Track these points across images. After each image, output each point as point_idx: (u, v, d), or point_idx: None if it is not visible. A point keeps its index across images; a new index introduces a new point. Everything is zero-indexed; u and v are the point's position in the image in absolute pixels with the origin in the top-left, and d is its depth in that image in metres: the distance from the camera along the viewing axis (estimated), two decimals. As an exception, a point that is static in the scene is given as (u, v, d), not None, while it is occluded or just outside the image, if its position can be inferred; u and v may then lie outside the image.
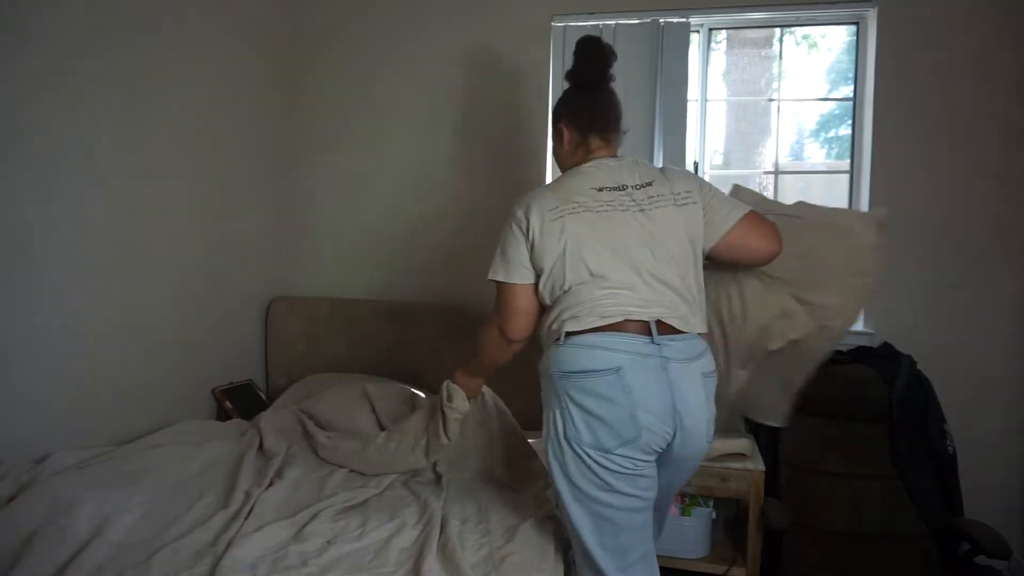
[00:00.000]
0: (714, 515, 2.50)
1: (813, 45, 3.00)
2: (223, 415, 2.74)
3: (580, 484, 1.54)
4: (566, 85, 1.81)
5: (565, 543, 1.73)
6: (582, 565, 1.64)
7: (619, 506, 1.55)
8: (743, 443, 2.46)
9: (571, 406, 1.52)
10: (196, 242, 2.66)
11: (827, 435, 2.49)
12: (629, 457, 1.51)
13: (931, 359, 2.53)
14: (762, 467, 2.38)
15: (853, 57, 2.83)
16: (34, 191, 2.00)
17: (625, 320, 1.54)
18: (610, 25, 2.84)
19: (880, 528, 2.35)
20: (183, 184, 2.58)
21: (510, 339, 1.70)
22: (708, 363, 1.62)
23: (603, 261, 1.57)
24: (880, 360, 2.54)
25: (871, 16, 2.72)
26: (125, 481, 1.87)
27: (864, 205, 2.73)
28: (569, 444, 1.53)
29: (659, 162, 2.81)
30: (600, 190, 1.62)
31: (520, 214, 1.65)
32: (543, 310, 1.68)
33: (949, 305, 2.64)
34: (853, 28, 2.83)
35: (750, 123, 3.05)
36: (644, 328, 1.54)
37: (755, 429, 2.69)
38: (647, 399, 1.50)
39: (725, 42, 3.06)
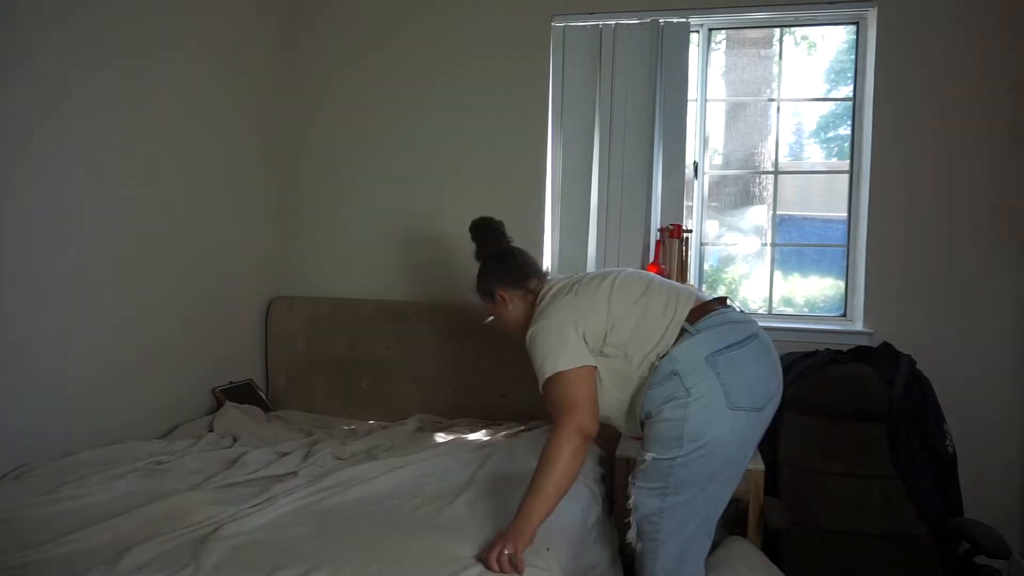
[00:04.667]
0: (714, 515, 2.49)
1: (813, 45, 3.00)
2: (223, 415, 2.74)
3: (726, 455, 1.66)
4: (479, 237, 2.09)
5: None
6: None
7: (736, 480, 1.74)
8: (743, 443, 2.46)
9: (730, 378, 1.63)
10: (196, 242, 2.66)
11: (827, 435, 2.49)
12: (766, 417, 1.71)
13: (930, 358, 2.53)
14: (762, 467, 2.37)
15: (853, 57, 2.83)
16: (36, 192, 2.00)
17: (711, 299, 1.79)
18: (610, 25, 2.84)
19: (880, 528, 2.35)
20: (183, 184, 2.58)
21: (589, 432, 1.68)
22: None
23: (640, 286, 1.81)
24: (879, 359, 2.54)
25: (871, 16, 2.72)
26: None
27: (864, 205, 2.74)
28: (733, 410, 1.63)
29: (659, 162, 2.82)
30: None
31: (555, 319, 1.76)
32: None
33: (948, 305, 2.64)
34: (853, 28, 2.83)
35: (750, 123, 3.05)
36: (725, 303, 1.81)
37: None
38: (776, 360, 1.75)
39: (725, 42, 3.06)
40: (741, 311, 1.82)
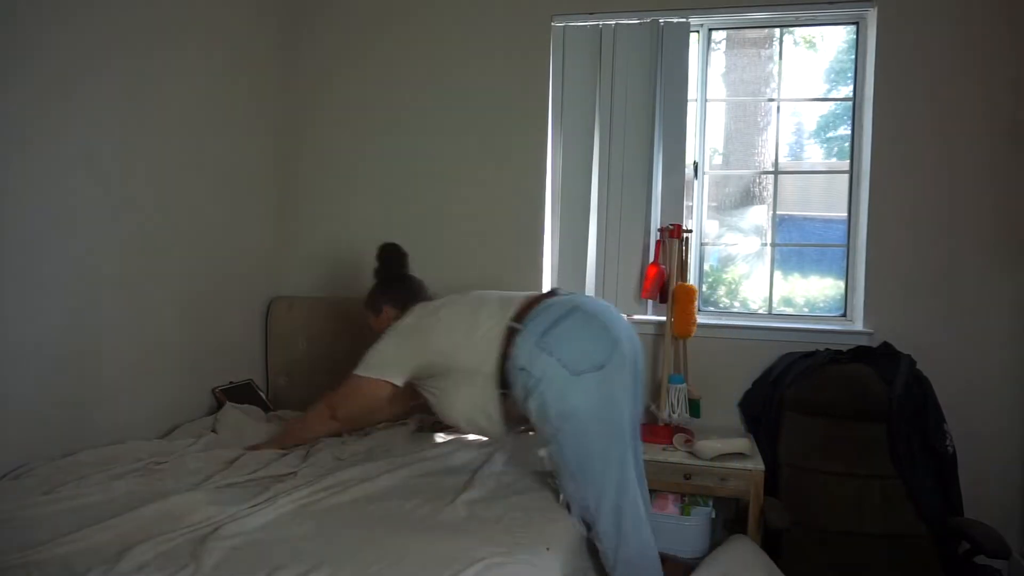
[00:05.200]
0: (714, 515, 2.50)
1: (813, 45, 3.00)
2: (223, 415, 2.74)
3: (595, 410, 1.81)
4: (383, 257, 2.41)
5: None
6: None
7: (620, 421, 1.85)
8: (743, 443, 2.46)
9: (562, 351, 1.80)
10: (196, 242, 2.66)
11: (827, 435, 2.49)
12: (612, 370, 1.82)
13: (930, 359, 2.54)
14: (762, 467, 2.38)
15: (853, 57, 2.83)
16: (36, 193, 2.00)
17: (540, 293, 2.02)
18: (610, 25, 2.84)
19: (880, 528, 2.35)
20: (183, 184, 2.58)
21: (341, 424, 2.18)
22: None
23: (472, 305, 2.05)
24: (880, 359, 2.55)
25: (871, 16, 2.72)
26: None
27: (864, 205, 2.74)
28: (577, 376, 1.79)
29: (659, 162, 2.82)
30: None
31: (394, 337, 2.08)
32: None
33: (948, 305, 2.64)
34: (853, 28, 2.83)
35: (750, 123, 3.05)
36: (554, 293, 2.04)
37: (755, 429, 2.70)
38: (608, 319, 1.91)
39: (725, 42, 3.06)
40: (566, 293, 2.03)
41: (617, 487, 1.79)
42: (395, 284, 2.32)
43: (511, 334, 1.87)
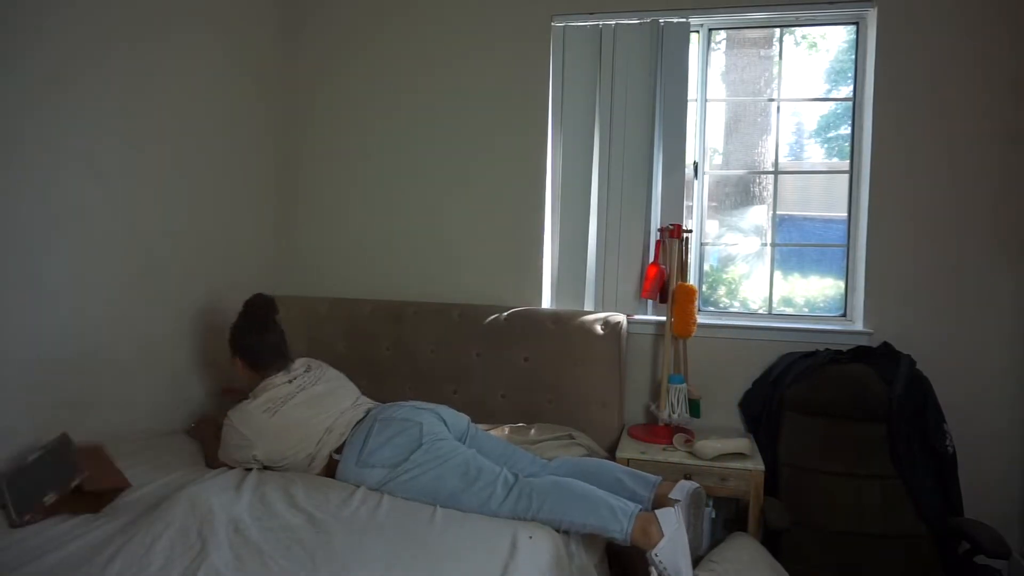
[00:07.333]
0: (714, 514, 2.49)
1: (813, 45, 3.00)
2: (223, 415, 2.74)
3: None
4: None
5: None
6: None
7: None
8: (743, 443, 2.46)
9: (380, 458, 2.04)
10: (196, 242, 2.66)
11: (827, 435, 2.49)
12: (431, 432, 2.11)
13: (930, 359, 2.53)
14: (762, 467, 2.38)
15: (853, 57, 2.83)
16: (35, 194, 2.00)
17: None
18: (610, 25, 2.84)
19: (880, 528, 2.35)
20: (183, 184, 2.59)
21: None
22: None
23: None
24: (880, 360, 2.55)
25: (871, 16, 2.72)
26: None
27: (864, 205, 2.73)
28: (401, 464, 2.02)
29: (659, 162, 2.82)
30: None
31: (245, 427, 2.15)
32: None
33: (948, 305, 2.64)
34: (853, 28, 2.83)
35: (750, 123, 3.05)
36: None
37: (755, 429, 2.70)
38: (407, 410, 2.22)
39: (725, 42, 3.06)
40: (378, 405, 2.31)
41: (463, 473, 1.95)
42: (253, 337, 2.35)
43: (333, 463, 2.10)
